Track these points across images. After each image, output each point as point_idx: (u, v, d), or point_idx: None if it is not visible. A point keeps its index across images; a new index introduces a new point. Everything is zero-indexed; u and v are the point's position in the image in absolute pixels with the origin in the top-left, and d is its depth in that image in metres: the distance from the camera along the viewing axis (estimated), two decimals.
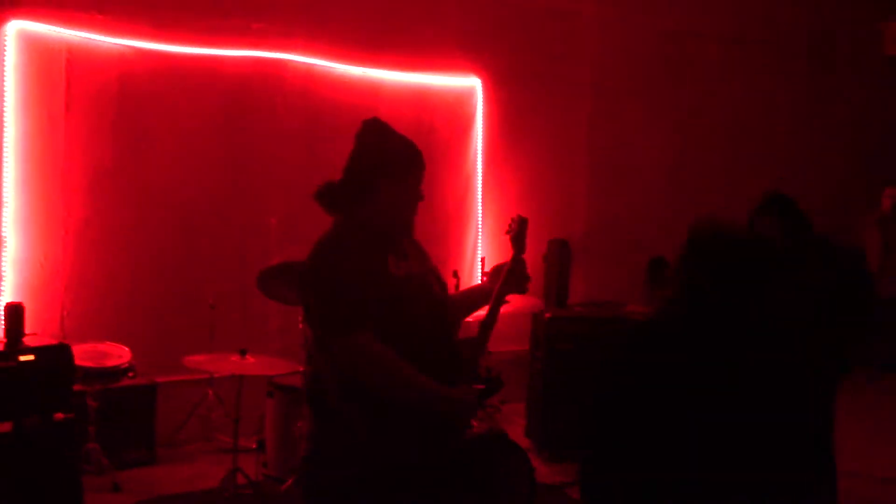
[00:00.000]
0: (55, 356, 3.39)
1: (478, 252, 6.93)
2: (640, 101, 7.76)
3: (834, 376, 3.24)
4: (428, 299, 2.61)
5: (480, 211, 7.00)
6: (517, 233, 2.79)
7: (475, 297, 2.90)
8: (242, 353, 4.43)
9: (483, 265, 6.46)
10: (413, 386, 2.43)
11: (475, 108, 7.02)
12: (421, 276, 2.62)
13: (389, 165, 2.58)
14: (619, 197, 7.64)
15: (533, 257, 6.85)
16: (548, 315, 5.79)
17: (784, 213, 4.03)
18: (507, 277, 2.73)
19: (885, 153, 8.90)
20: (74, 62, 5.45)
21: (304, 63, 6.25)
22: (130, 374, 5.08)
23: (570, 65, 7.41)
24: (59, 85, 5.42)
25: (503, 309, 4.03)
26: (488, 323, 2.71)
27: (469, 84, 6.99)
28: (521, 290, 2.79)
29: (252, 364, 4.40)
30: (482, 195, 7.02)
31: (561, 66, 7.36)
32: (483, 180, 7.04)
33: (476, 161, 7.02)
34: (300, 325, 4.29)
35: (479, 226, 6.99)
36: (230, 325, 5.65)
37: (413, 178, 2.62)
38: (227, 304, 5.73)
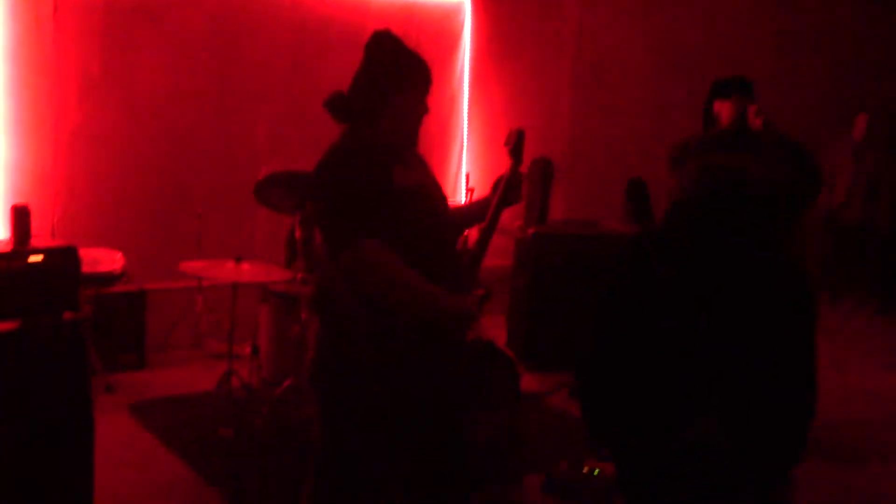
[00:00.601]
0: (62, 257, 3.46)
1: (462, 168, 7.02)
2: (626, 19, 7.77)
3: None
4: (432, 209, 2.69)
5: (466, 127, 7.06)
6: (515, 144, 2.83)
7: (474, 209, 2.99)
8: (238, 260, 4.51)
9: (467, 181, 6.55)
10: (417, 292, 2.51)
11: (462, 24, 7.02)
12: (425, 187, 2.71)
13: (400, 78, 2.63)
14: (601, 115, 7.72)
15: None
16: (531, 231, 5.94)
17: (743, 95, 4.24)
18: (504, 188, 2.78)
19: (859, 79, 9.00)
20: None
21: None
22: (123, 280, 5.17)
23: None
24: None
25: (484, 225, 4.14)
26: (487, 233, 2.78)
27: (456, 1, 6.97)
28: (517, 199, 2.85)
29: (248, 271, 4.48)
30: (468, 112, 7.08)
31: None
32: (469, 97, 7.08)
33: (462, 78, 7.05)
34: (296, 235, 4.37)
35: (465, 142, 7.06)
36: (220, 234, 5.73)
37: (421, 91, 2.68)
38: (217, 213, 5.80)
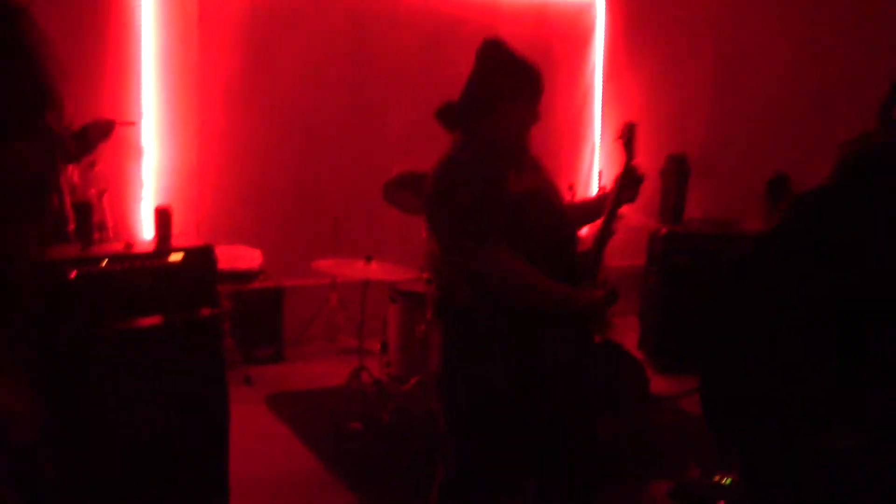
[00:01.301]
0: (201, 256, 3.62)
1: (594, 165, 6.94)
2: (768, 11, 7.47)
3: None
4: (548, 212, 2.68)
5: (599, 124, 6.97)
6: (627, 138, 2.80)
7: (591, 207, 2.95)
8: (368, 259, 4.62)
9: (600, 178, 6.48)
10: (548, 292, 2.54)
11: (594, 21, 6.93)
12: (541, 190, 2.70)
13: (508, 88, 2.63)
14: (741, 112, 7.45)
15: (651, 171, 6.82)
16: (664, 230, 5.80)
17: None
18: (619, 184, 2.75)
19: None
20: None
21: None
22: (261, 277, 5.38)
23: None
24: (192, 1, 5.63)
25: (620, 224, 4.09)
26: (605, 230, 2.74)
27: None
28: (632, 196, 2.79)
29: (377, 269, 4.59)
30: (602, 109, 6.99)
31: None
32: (603, 94, 6.99)
33: (593, 76, 6.96)
34: (423, 235, 4.43)
35: (598, 139, 6.97)
36: (353, 234, 5.87)
37: (531, 100, 2.67)
38: (351, 214, 5.95)
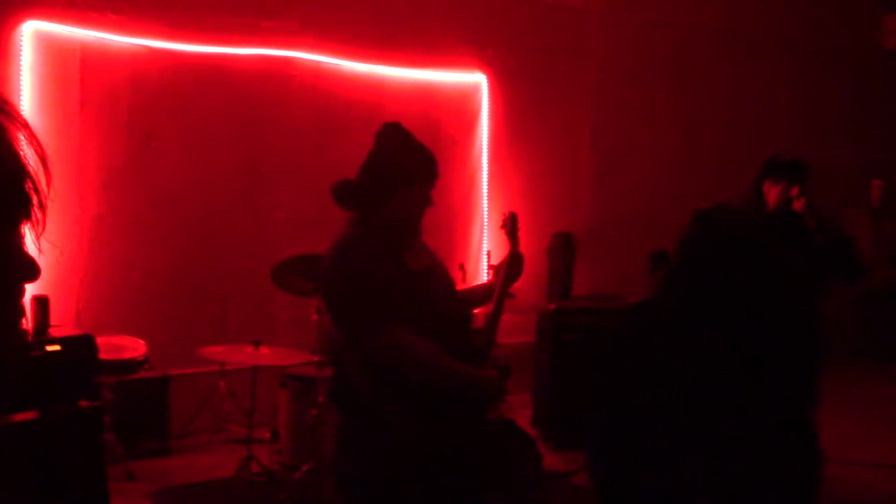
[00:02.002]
0: (80, 346, 3.49)
1: (483, 245, 7.04)
2: (644, 96, 7.86)
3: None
4: (444, 292, 2.73)
5: (486, 205, 7.10)
6: (511, 227, 2.95)
7: (480, 292, 3.07)
8: (256, 344, 4.54)
9: (489, 258, 6.57)
10: (448, 371, 2.55)
11: (480, 104, 7.12)
12: (436, 270, 2.74)
13: (409, 172, 2.68)
14: (622, 191, 7.75)
15: (537, 250, 7.00)
16: (553, 307, 5.90)
17: (792, 180, 4.22)
18: (507, 271, 2.89)
19: (874, 147, 8.99)
20: (88, 61, 5.55)
21: (312, 60, 6.34)
22: (146, 367, 5.19)
23: (574, 60, 7.52)
24: (74, 84, 5.52)
25: (512, 304, 4.19)
26: (495, 315, 2.86)
27: (474, 80, 7.09)
28: (517, 278, 2.95)
29: (266, 355, 4.50)
30: (487, 190, 7.13)
31: (565, 61, 7.47)
32: (489, 175, 7.14)
33: (481, 156, 7.12)
34: (314, 317, 4.39)
35: (485, 220, 7.09)
36: (242, 318, 5.77)
37: (428, 184, 2.74)
38: (239, 298, 5.85)
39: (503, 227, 2.96)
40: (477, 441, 2.76)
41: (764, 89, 8.50)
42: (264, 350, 4.53)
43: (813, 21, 8.78)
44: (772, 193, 4.38)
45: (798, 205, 4.31)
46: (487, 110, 7.13)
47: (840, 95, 8.95)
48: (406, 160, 2.67)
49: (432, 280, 2.68)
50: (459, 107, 7.03)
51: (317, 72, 6.36)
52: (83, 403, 3.43)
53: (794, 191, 4.30)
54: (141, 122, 5.77)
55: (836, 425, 2.77)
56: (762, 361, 2.08)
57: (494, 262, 6.41)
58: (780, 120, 8.51)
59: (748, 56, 8.41)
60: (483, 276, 6.66)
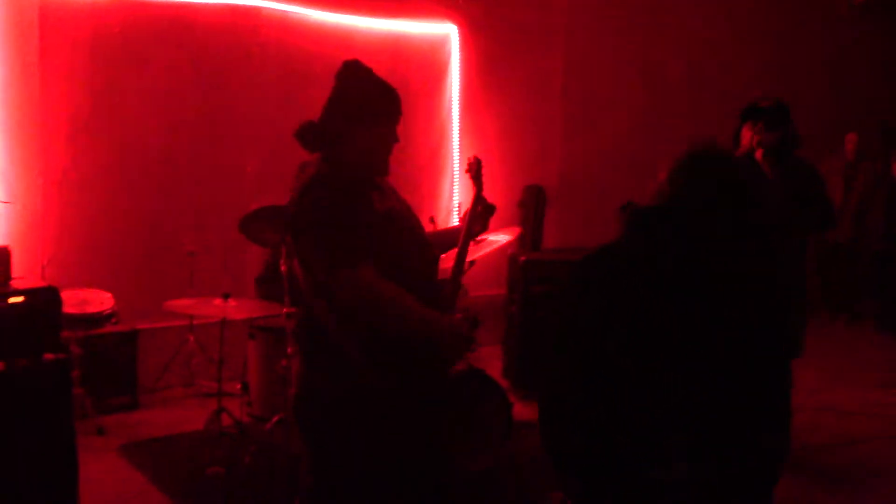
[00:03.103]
0: (43, 298, 3.44)
1: (454, 198, 7.02)
2: (613, 47, 7.81)
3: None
4: (411, 234, 2.70)
5: (457, 157, 7.06)
6: (476, 171, 2.93)
7: (447, 237, 3.03)
8: (225, 297, 4.50)
9: (460, 211, 6.55)
10: (416, 316, 2.50)
11: (450, 55, 7.05)
12: (402, 212, 2.71)
13: (369, 109, 2.63)
14: (593, 143, 7.73)
15: (509, 202, 6.99)
16: (523, 258, 5.91)
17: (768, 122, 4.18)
18: (471, 215, 2.86)
19: (849, 99, 9.03)
20: (47, 14, 5.42)
21: (278, 10, 6.25)
22: (113, 321, 5.15)
23: (544, 11, 7.44)
24: (32, 36, 5.40)
25: (481, 253, 4.18)
26: (460, 262, 2.82)
27: (444, 31, 7.01)
28: (484, 226, 2.92)
29: (235, 307, 4.46)
30: (459, 142, 7.08)
31: (535, 12, 7.39)
32: (460, 127, 7.09)
33: (451, 108, 7.07)
34: (282, 268, 4.35)
35: (455, 172, 7.05)
36: (210, 271, 5.72)
37: (391, 121, 2.68)
38: (207, 251, 5.79)
39: (468, 170, 2.94)
40: (441, 390, 2.74)
41: (734, 41, 8.48)
42: (233, 302, 4.49)
43: None
44: (745, 137, 4.38)
45: (757, 152, 4.31)
46: (458, 61, 7.06)
47: (811, 49, 8.96)
48: (367, 96, 2.63)
49: (399, 221, 2.65)
50: (429, 58, 6.96)
51: (283, 22, 6.26)
52: (47, 356, 3.39)
53: (749, 135, 4.28)
54: (104, 75, 5.66)
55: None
56: (737, 311, 2.05)
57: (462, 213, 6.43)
58: (750, 72, 8.49)
59: (719, 8, 8.37)
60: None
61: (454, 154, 7.08)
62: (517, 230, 5.04)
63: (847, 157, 8.11)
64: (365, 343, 2.49)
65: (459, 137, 7.09)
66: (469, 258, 3.50)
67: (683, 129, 8.07)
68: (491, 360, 6.23)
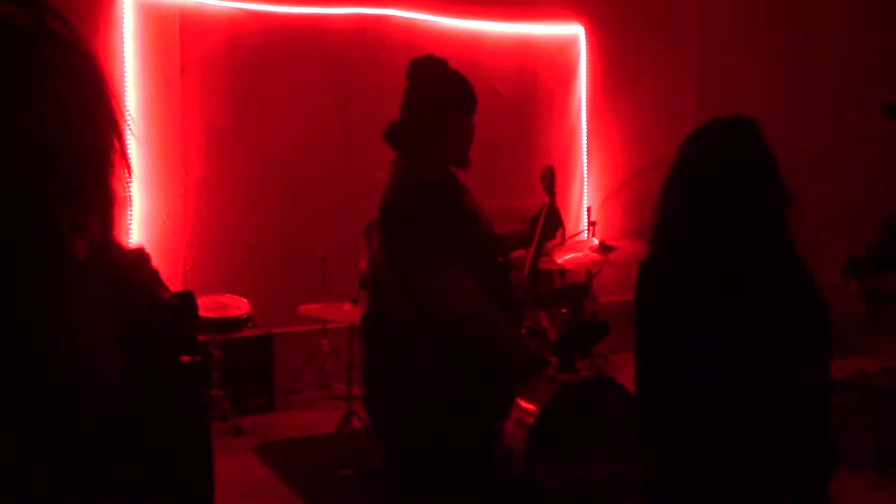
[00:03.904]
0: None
1: (584, 200, 6.90)
2: (749, 46, 7.50)
3: None
4: (491, 233, 2.67)
5: (586, 160, 6.94)
6: (549, 182, 2.90)
7: (513, 239, 2.99)
8: (354, 301, 4.56)
9: (589, 214, 6.42)
10: (495, 327, 2.48)
11: (578, 55, 6.94)
12: (482, 212, 2.68)
13: (460, 99, 2.63)
14: None
15: (643, 205, 6.80)
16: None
17: None
18: (543, 224, 2.86)
19: None
20: (187, 26, 5.66)
21: (406, 17, 6.31)
22: (250, 325, 5.31)
23: (675, 9, 7.23)
24: (174, 49, 5.63)
25: (611, 254, 4.11)
26: (531, 268, 2.84)
27: (572, 32, 6.91)
28: (553, 234, 2.98)
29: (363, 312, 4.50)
30: (587, 144, 6.96)
31: (666, 10, 7.19)
32: (588, 129, 6.97)
33: (580, 110, 6.95)
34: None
35: (585, 174, 6.94)
36: (341, 277, 5.80)
37: (469, 113, 2.67)
38: (339, 257, 5.89)
39: (541, 181, 2.91)
40: (506, 403, 2.72)
41: (886, 29, 7.98)
42: (363, 307, 4.53)
43: None
44: None
45: None
46: (586, 62, 6.94)
47: None
48: (451, 90, 2.62)
49: (482, 221, 2.63)
50: (557, 59, 6.87)
51: (411, 29, 6.32)
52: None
53: None
54: (240, 85, 5.86)
55: None
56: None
57: (594, 217, 6.30)
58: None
59: (863, 7, 7.90)
60: (584, 232, 6.52)
61: (583, 156, 6.96)
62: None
63: None
64: (441, 346, 2.46)
65: (588, 138, 6.96)
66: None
67: (823, 130, 7.68)
68: (622, 367, 6.08)
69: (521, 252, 3.01)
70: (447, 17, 6.43)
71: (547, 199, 2.87)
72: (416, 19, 6.35)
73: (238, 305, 5.28)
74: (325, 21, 6.08)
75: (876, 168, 7.43)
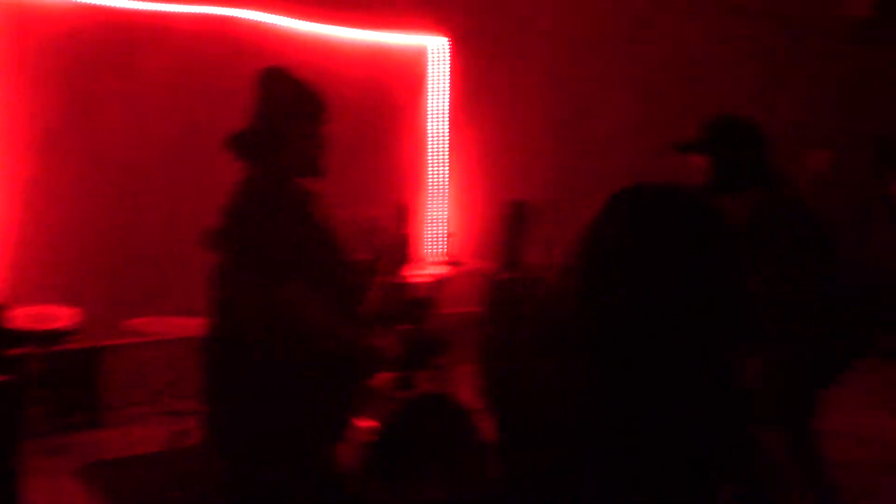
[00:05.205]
0: None
1: (430, 213, 6.88)
2: (602, 61, 7.70)
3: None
4: (338, 250, 2.64)
5: (443, 172, 6.95)
6: (401, 216, 3.01)
7: (361, 268, 3.03)
8: (189, 313, 4.37)
9: (444, 226, 6.43)
10: (335, 333, 2.48)
11: (432, 67, 6.93)
12: (332, 226, 2.66)
13: (302, 114, 2.64)
14: (579, 159, 7.60)
15: (491, 218, 6.85)
16: (500, 276, 5.78)
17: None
18: (392, 257, 3.11)
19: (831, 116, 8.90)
20: (14, 20, 5.31)
21: (256, 20, 6.13)
22: (77, 337, 5.01)
23: (531, 23, 7.33)
24: None
25: (455, 270, 4.20)
26: (380, 298, 2.98)
27: (427, 43, 6.90)
28: (403, 259, 3.18)
29: (199, 325, 4.32)
30: (441, 156, 6.96)
31: (522, 24, 7.29)
32: (441, 141, 6.96)
33: (432, 121, 6.94)
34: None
35: (433, 187, 6.93)
36: (177, 288, 5.57)
37: (321, 121, 2.67)
38: (175, 267, 5.65)
39: (395, 215, 2.96)
40: (343, 429, 2.75)
41: (722, 53, 8.36)
42: (199, 319, 4.35)
43: None
44: None
45: None
46: (443, 73, 6.94)
47: (800, 65, 8.85)
48: (293, 99, 2.59)
49: (334, 235, 2.60)
50: (411, 70, 6.85)
51: (261, 31, 6.15)
52: None
53: None
54: (77, 83, 5.55)
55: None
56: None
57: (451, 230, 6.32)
58: (737, 84, 8.36)
59: (707, 19, 8.25)
60: (430, 243, 6.52)
61: (436, 168, 6.95)
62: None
63: (815, 172, 7.94)
64: (283, 360, 2.43)
65: (441, 150, 6.96)
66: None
67: (673, 139, 7.95)
68: (465, 379, 6.08)
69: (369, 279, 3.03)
70: (299, 20, 6.29)
71: (398, 231, 2.93)
72: (266, 22, 6.18)
73: (63, 316, 4.98)
74: (171, 19, 5.84)
75: None
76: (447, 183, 6.97)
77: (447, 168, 6.96)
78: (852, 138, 8.50)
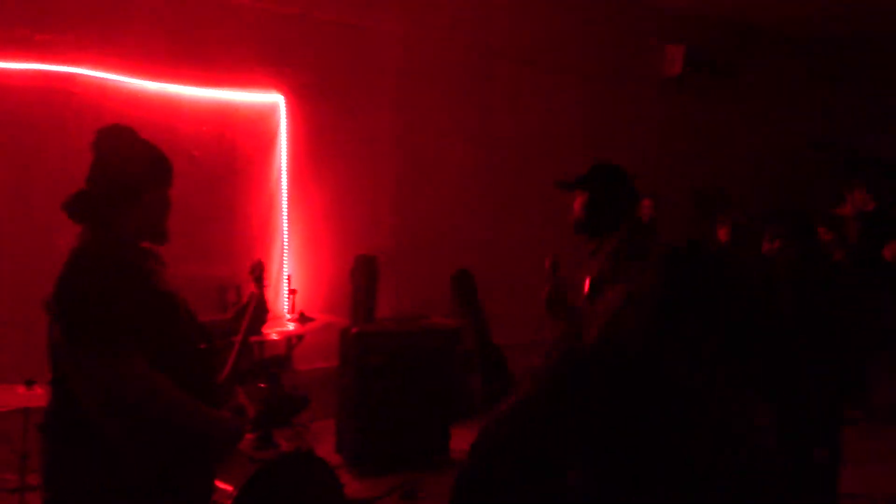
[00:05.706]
0: None
1: (284, 269, 6.85)
2: (443, 116, 7.94)
3: None
4: (186, 316, 2.57)
5: (286, 228, 6.93)
6: (258, 274, 2.95)
7: (220, 327, 2.95)
8: (29, 384, 4.17)
9: (290, 282, 6.39)
10: (184, 411, 2.40)
11: (278, 124, 6.95)
12: (178, 294, 2.58)
13: (149, 175, 2.54)
14: (423, 211, 7.77)
15: (341, 273, 6.90)
16: (355, 330, 5.81)
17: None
18: (253, 314, 2.86)
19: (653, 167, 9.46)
20: None
21: (95, 77, 5.97)
22: None
23: (373, 80, 7.48)
24: None
25: (310, 326, 4.18)
26: (241, 354, 2.79)
27: (272, 100, 6.91)
28: (263, 322, 2.97)
29: (40, 395, 4.12)
30: (288, 212, 6.95)
31: (364, 80, 7.42)
32: (289, 196, 6.96)
33: (281, 177, 6.95)
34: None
35: (286, 243, 6.91)
36: (15, 356, 5.30)
37: (166, 184, 2.60)
38: (14, 333, 5.38)
39: (251, 272, 2.95)
40: (207, 487, 2.66)
41: (558, 109, 8.79)
42: (38, 390, 4.16)
43: (603, 49, 9.20)
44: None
45: None
46: (286, 130, 6.97)
47: (626, 122, 9.40)
48: (134, 160, 2.52)
49: (177, 304, 2.53)
50: (257, 127, 6.83)
51: (100, 89, 5.99)
52: None
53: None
54: None
55: None
56: None
57: (294, 286, 6.28)
58: (571, 135, 8.77)
59: (542, 79, 8.67)
60: (284, 300, 6.47)
61: (284, 224, 6.94)
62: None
63: (643, 221, 8.40)
64: (129, 432, 2.33)
65: (289, 207, 6.96)
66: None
67: (514, 196, 8.28)
68: (324, 435, 6.06)
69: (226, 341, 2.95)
70: (141, 78, 6.18)
71: (256, 290, 2.86)
72: (107, 79, 6.03)
73: None
74: (4, 76, 5.62)
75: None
76: (289, 239, 6.96)
77: (288, 224, 6.96)
78: (673, 188, 9.07)
